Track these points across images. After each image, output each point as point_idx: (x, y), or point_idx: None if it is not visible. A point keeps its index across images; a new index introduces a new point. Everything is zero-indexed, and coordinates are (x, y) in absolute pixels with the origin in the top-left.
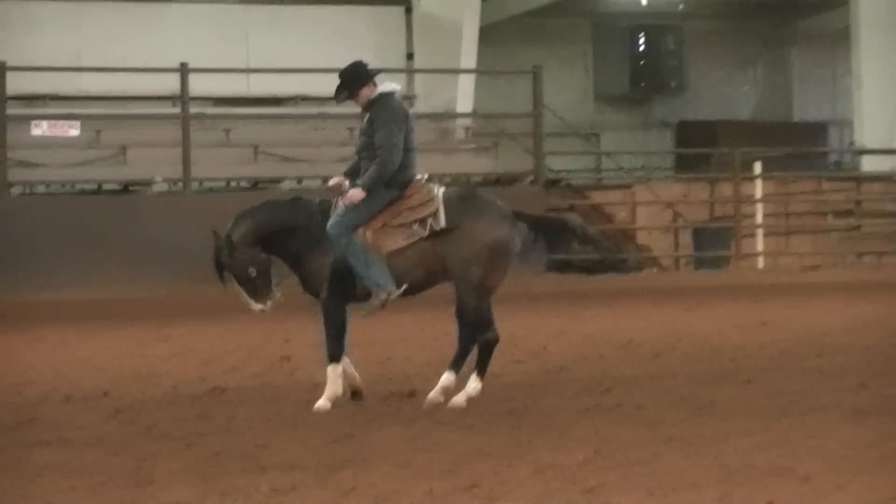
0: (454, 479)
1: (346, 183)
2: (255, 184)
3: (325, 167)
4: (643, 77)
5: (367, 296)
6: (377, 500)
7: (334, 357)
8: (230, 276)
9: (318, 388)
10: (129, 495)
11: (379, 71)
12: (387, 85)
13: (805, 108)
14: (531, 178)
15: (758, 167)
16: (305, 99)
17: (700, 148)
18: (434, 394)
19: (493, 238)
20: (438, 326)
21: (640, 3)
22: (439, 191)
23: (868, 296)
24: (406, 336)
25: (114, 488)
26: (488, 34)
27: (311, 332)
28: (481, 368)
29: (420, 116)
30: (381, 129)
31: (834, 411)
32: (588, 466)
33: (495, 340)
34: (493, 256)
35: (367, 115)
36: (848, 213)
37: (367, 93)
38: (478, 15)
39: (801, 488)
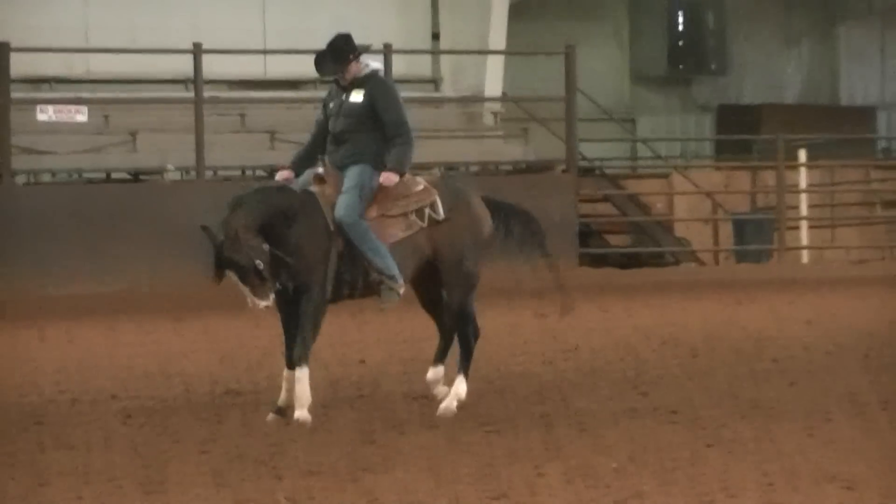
0: (482, 487)
1: (294, 177)
2: (272, 171)
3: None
4: (682, 57)
5: (358, 292)
6: None
7: (306, 359)
8: (230, 271)
9: (336, 390)
10: (140, 502)
11: (369, 46)
12: (374, 61)
13: (853, 91)
14: (563, 166)
15: (802, 155)
16: (324, 82)
17: (742, 134)
18: (445, 401)
19: (485, 230)
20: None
21: None
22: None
23: None
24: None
25: (123, 495)
26: (518, 11)
27: (328, 329)
28: (465, 367)
29: (446, 100)
30: (392, 109)
31: (882, 413)
32: (623, 473)
33: (477, 336)
34: (483, 249)
35: (355, 93)
36: None
37: (355, 68)
38: None
39: (848, 496)
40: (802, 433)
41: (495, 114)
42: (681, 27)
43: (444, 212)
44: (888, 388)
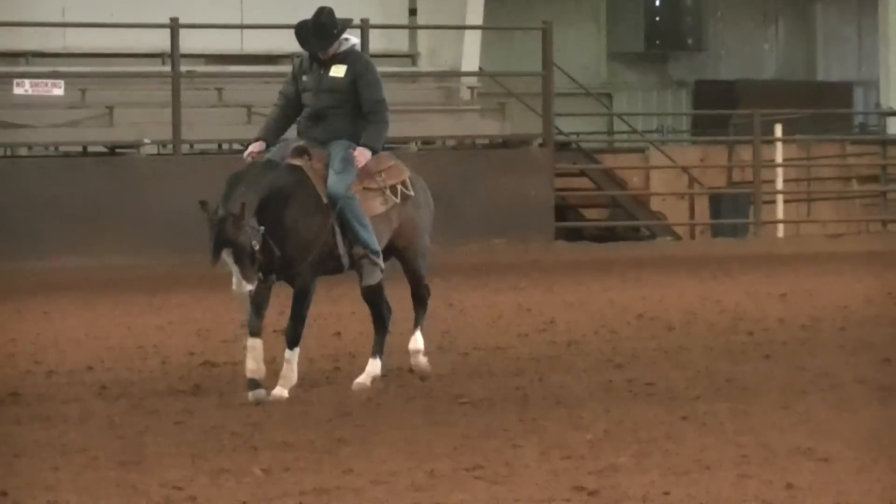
0: (457, 460)
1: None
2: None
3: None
4: (659, 34)
5: (340, 268)
6: (375, 482)
7: (299, 340)
8: (228, 250)
9: (314, 363)
10: (116, 475)
11: (350, 21)
12: (352, 36)
13: (829, 68)
14: (540, 141)
15: (779, 130)
16: (301, 57)
17: (718, 109)
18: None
19: (432, 205)
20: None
21: None
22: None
23: (893, 266)
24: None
25: (99, 468)
26: None
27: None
28: (421, 324)
29: (423, 75)
30: (374, 86)
31: (857, 388)
32: (598, 447)
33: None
34: (432, 223)
35: (336, 68)
36: (873, 178)
37: (337, 44)
38: None
39: (822, 470)
40: (777, 407)
41: (472, 89)
42: (658, 3)
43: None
44: (863, 363)
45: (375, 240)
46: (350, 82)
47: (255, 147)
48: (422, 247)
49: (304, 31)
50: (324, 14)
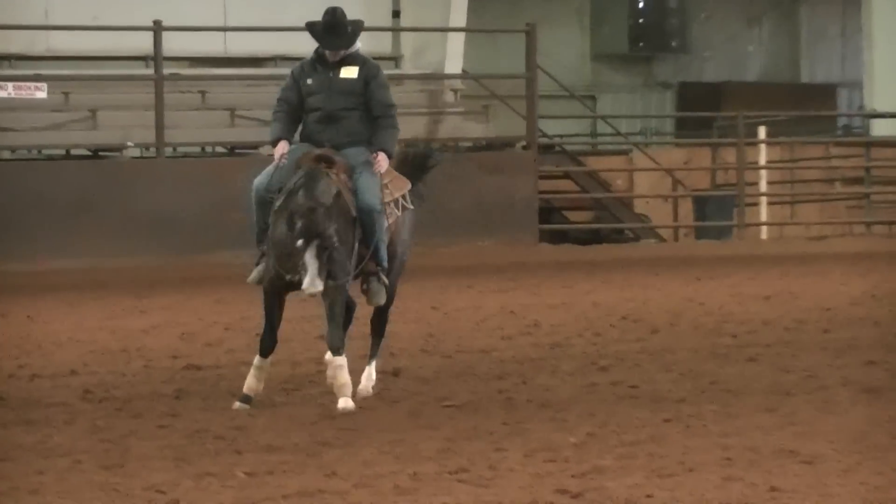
0: (441, 463)
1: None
2: (232, 149)
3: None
4: (643, 35)
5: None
6: (359, 485)
7: (343, 347)
8: (315, 241)
9: (297, 367)
10: (100, 478)
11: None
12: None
13: (814, 70)
14: (524, 143)
15: (762, 132)
16: (286, 59)
17: (703, 111)
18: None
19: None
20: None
21: None
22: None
23: (877, 268)
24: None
25: (84, 471)
26: None
27: (292, 306)
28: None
29: (407, 78)
30: (385, 89)
31: (841, 390)
32: (583, 449)
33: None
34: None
35: (347, 70)
36: (857, 180)
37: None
38: None
39: (807, 472)
40: (762, 409)
41: (456, 91)
42: (642, 5)
43: (411, 203)
44: (847, 365)
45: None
46: (363, 84)
47: (281, 148)
48: (402, 262)
49: (322, 29)
50: (339, 13)
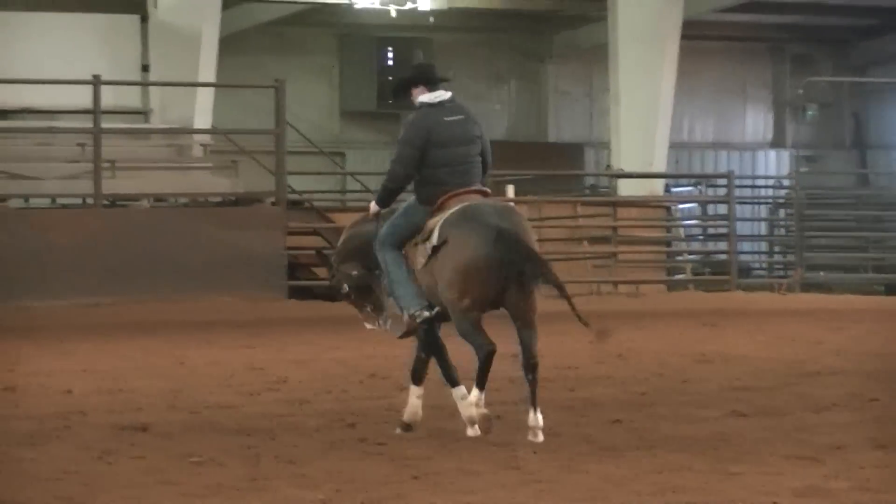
0: None
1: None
2: None
3: (54, 185)
4: (391, 93)
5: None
6: None
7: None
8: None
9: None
10: None
11: (447, 79)
12: (434, 94)
13: (560, 129)
14: (272, 199)
15: (511, 190)
16: (33, 112)
17: None
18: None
19: (467, 256)
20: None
21: (388, 14)
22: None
23: (623, 326)
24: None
25: None
26: (230, 44)
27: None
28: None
29: (154, 132)
30: (397, 144)
31: (585, 447)
32: None
33: (486, 356)
34: (467, 275)
35: None
36: (604, 239)
37: (415, 95)
38: (218, 24)
39: None
40: (503, 465)
41: (204, 146)
42: (390, 62)
43: (440, 238)
44: (591, 423)
45: (409, 293)
46: None
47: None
48: (450, 301)
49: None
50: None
